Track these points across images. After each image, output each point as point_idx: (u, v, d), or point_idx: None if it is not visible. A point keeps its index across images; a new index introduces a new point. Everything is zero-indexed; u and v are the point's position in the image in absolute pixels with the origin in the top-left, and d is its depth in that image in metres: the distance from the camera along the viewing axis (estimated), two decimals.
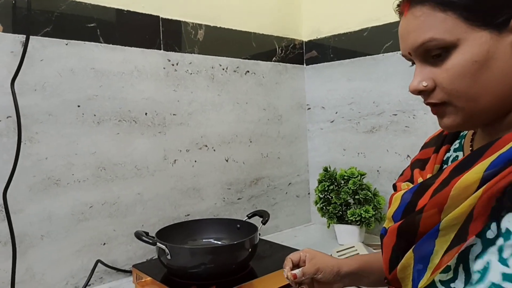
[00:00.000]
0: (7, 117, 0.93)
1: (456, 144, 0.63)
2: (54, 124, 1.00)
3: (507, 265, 0.43)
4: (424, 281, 0.51)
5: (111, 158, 1.09)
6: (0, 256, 0.91)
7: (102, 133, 1.07)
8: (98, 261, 1.04)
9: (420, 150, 0.69)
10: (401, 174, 0.70)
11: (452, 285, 0.50)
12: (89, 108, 1.05)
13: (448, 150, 0.64)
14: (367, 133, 1.43)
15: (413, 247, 0.53)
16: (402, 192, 0.59)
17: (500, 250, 0.45)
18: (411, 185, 0.62)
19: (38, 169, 0.97)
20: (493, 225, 0.46)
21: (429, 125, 1.26)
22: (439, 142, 0.65)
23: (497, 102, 0.50)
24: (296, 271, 0.78)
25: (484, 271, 0.45)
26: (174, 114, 1.22)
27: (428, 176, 0.61)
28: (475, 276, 0.46)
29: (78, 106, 1.04)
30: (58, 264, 1.00)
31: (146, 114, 1.16)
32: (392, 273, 0.56)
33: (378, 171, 1.41)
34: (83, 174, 1.04)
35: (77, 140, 1.03)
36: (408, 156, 1.32)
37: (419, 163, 0.66)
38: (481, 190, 0.46)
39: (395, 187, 0.66)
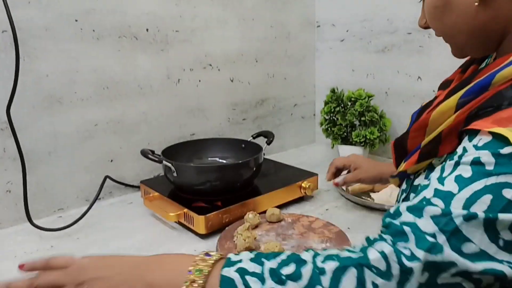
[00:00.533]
0: (3, 32, 0.89)
1: (482, 65, 0.61)
2: (52, 39, 0.96)
3: (442, 183, 0.44)
4: (399, 169, 0.60)
5: (114, 76, 1.07)
6: (11, 171, 0.94)
7: (103, 49, 1.04)
8: (107, 176, 1.07)
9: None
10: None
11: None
12: (87, 22, 1.00)
13: (474, 71, 0.62)
14: (378, 53, 1.37)
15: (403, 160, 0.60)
16: (413, 112, 0.63)
17: (442, 169, 0.46)
18: None
19: (39, 86, 0.95)
20: (459, 148, 0.47)
21: (444, 45, 1.19)
22: (470, 61, 0.63)
23: (473, 39, 0.53)
24: (339, 180, 0.92)
25: (424, 187, 0.46)
26: (176, 31, 1.17)
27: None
28: (419, 191, 0.48)
29: (76, 20, 0.99)
30: (67, 179, 1.03)
31: (147, 30, 1.11)
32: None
33: (386, 93, 1.38)
34: (86, 92, 1.03)
35: (77, 57, 1.00)
36: (419, 77, 1.28)
37: (445, 83, 0.66)
38: (453, 116, 0.49)
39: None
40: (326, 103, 1.36)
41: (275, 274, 0.43)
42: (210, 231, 0.87)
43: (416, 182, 0.56)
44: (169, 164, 0.93)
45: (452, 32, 0.54)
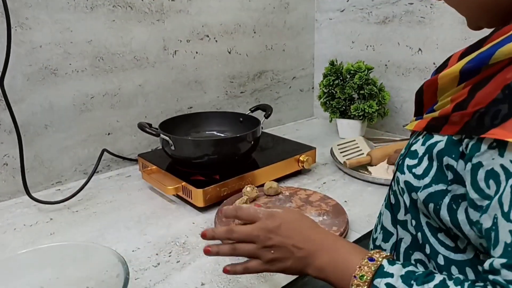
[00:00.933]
0: None
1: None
2: (45, 9, 0.93)
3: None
4: (408, 127, 0.59)
5: (109, 48, 1.04)
6: (7, 144, 0.93)
7: (97, 20, 1.01)
8: (104, 150, 1.06)
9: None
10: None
11: (413, 170, 0.53)
12: None
13: None
14: (379, 24, 1.34)
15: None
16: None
17: (500, 201, 0.43)
18: None
19: (33, 57, 0.93)
20: (490, 162, 0.44)
21: (447, 16, 1.17)
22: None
23: (486, 10, 0.50)
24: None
25: (492, 230, 0.43)
26: (172, 0, 1.14)
27: None
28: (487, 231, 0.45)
29: None
30: (65, 152, 1.03)
31: None
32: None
33: (386, 65, 1.36)
34: (81, 63, 1.01)
35: (71, 27, 0.98)
36: (419, 49, 1.26)
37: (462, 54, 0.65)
38: (458, 88, 0.48)
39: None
40: (324, 76, 1.34)
41: None
42: (208, 204, 0.87)
43: (413, 148, 0.55)
44: (167, 138, 0.92)
45: (465, 3, 0.52)
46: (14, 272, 0.56)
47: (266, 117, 1.10)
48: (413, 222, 0.55)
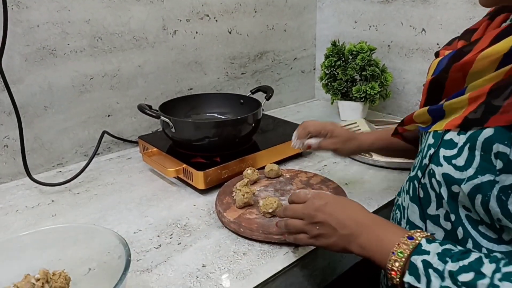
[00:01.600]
0: None
1: None
2: None
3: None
4: (435, 127, 0.56)
5: (107, 27, 1.03)
6: (7, 125, 0.93)
7: None
8: (104, 132, 1.06)
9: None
10: (448, 43, 0.67)
11: (453, 161, 0.50)
12: None
13: (506, 20, 0.56)
14: (382, 3, 1.32)
15: (445, 99, 0.55)
16: (440, 58, 0.58)
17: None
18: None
19: (31, 37, 0.92)
20: None
21: None
22: (499, 10, 0.58)
23: None
24: (312, 142, 0.80)
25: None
26: None
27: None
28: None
29: None
30: (65, 134, 1.02)
31: None
32: (408, 117, 0.61)
33: (389, 46, 1.34)
34: (79, 43, 0.99)
35: (68, 6, 0.96)
36: (423, 29, 1.24)
37: (467, 33, 0.62)
38: (505, 69, 0.45)
39: (437, 54, 0.65)
40: (326, 57, 1.32)
41: (452, 277, 0.45)
42: (209, 187, 0.87)
43: (447, 137, 0.52)
44: (167, 120, 0.92)
45: None
46: (17, 253, 0.57)
47: (267, 99, 1.09)
48: (452, 216, 0.53)
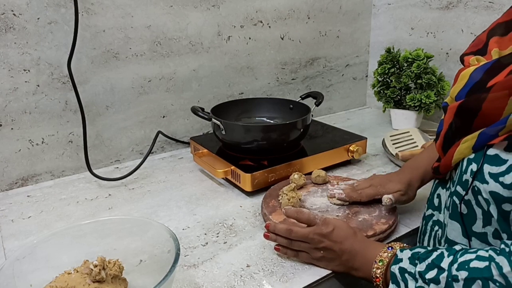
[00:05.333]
0: None
1: None
2: None
3: None
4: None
5: (166, 33, 1.08)
6: (72, 122, 1.00)
7: (156, 5, 1.04)
8: (159, 132, 1.11)
9: (506, 12, 0.59)
10: (473, 41, 0.62)
11: (500, 179, 0.47)
12: None
13: None
14: (442, 10, 1.27)
15: (479, 131, 0.51)
16: (472, 68, 0.53)
17: None
18: (482, 60, 0.54)
19: (97, 41, 0.99)
20: None
21: None
22: None
23: None
24: (391, 197, 0.74)
25: None
26: None
27: (510, 48, 0.52)
28: None
29: None
30: (123, 132, 1.09)
31: None
32: (448, 154, 0.57)
33: (447, 53, 1.29)
34: (140, 48, 1.05)
35: (132, 13, 1.02)
36: None
37: (500, 27, 0.56)
38: None
39: (462, 60, 0.60)
40: (380, 64, 1.30)
41: (422, 277, 0.50)
42: (256, 189, 0.89)
43: (491, 152, 0.49)
44: (218, 122, 0.94)
45: None
46: (77, 240, 0.61)
47: (317, 104, 1.09)
48: (504, 236, 0.51)
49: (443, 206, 0.62)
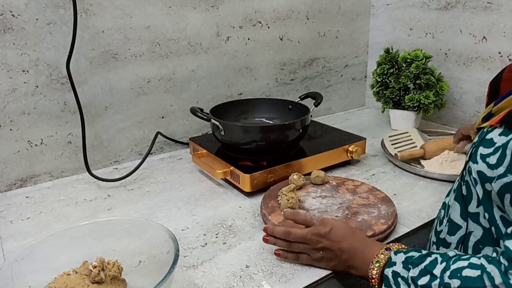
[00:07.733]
0: None
1: None
2: None
3: None
4: (481, 124, 0.58)
5: (165, 33, 1.08)
6: (71, 123, 1.00)
7: (155, 6, 1.04)
8: (158, 132, 1.11)
9: None
10: None
11: (487, 159, 0.51)
12: None
13: None
14: (440, 10, 1.27)
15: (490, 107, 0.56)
16: None
17: None
18: None
19: (96, 42, 0.99)
20: None
21: None
22: None
23: None
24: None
25: None
26: None
27: None
28: None
29: None
30: (122, 133, 1.08)
31: None
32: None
33: (446, 54, 1.29)
34: (139, 48, 1.05)
35: (131, 13, 1.02)
36: (484, 37, 1.18)
37: None
38: None
39: None
40: (379, 64, 1.30)
41: (414, 282, 0.51)
42: (255, 190, 0.89)
43: (489, 136, 0.53)
44: (217, 123, 0.94)
45: None
46: (76, 240, 0.61)
47: (316, 105, 1.09)
48: (486, 215, 0.53)
49: (452, 189, 0.66)
